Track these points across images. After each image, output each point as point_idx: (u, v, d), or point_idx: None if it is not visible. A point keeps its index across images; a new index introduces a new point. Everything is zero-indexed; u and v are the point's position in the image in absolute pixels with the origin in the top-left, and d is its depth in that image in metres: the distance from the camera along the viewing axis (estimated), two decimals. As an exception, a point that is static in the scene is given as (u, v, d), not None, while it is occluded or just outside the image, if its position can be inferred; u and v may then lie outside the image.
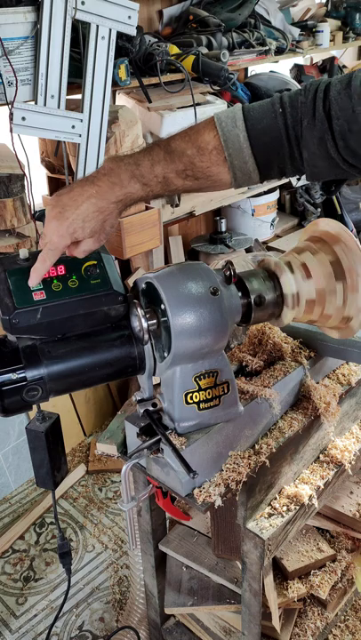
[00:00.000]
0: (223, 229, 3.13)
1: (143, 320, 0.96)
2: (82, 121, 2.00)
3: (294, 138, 0.94)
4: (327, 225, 1.08)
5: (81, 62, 2.01)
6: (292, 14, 3.46)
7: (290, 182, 3.40)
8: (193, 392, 1.00)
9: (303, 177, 1.19)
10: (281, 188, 3.48)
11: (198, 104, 2.61)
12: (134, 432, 1.07)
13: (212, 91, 2.81)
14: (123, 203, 0.95)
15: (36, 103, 1.90)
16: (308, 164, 0.95)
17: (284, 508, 1.18)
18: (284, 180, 3.35)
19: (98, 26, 1.92)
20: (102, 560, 2.23)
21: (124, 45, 2.24)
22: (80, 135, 2.02)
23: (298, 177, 3.42)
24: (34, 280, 0.93)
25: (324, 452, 1.31)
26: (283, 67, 3.61)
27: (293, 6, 3.49)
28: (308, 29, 3.42)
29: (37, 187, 2.54)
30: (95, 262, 0.98)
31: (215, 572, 1.46)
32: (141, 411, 1.04)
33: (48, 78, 1.89)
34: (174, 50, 2.47)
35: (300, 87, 0.97)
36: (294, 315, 1.05)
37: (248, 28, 2.97)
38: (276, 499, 1.20)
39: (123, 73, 2.20)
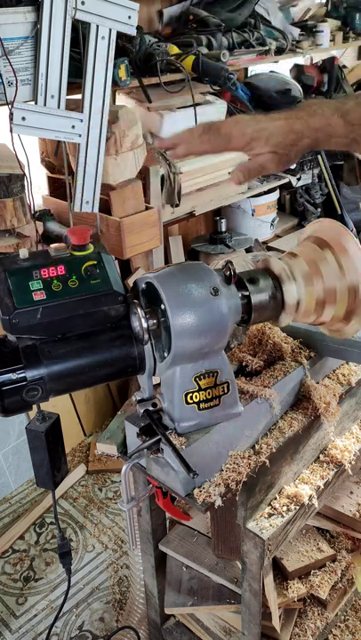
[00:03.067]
0: (223, 229, 3.13)
1: (143, 320, 0.96)
2: (82, 121, 2.00)
3: None
4: (328, 225, 1.07)
5: (81, 62, 2.01)
6: (292, 14, 3.46)
7: (290, 182, 3.39)
8: (193, 392, 1.00)
9: (303, 177, 1.18)
10: (281, 188, 3.47)
11: (198, 104, 2.61)
12: (134, 432, 1.07)
13: (212, 91, 2.82)
14: (322, 133, 0.86)
15: (36, 103, 1.90)
16: None
17: (284, 508, 1.18)
18: (284, 180, 3.35)
19: (98, 26, 1.92)
20: (102, 560, 2.24)
21: (124, 45, 2.25)
22: (80, 135, 2.02)
23: (298, 177, 3.42)
24: (165, 142, 0.88)
25: (324, 452, 1.31)
26: (283, 67, 3.61)
27: (293, 6, 3.49)
28: (308, 29, 3.41)
29: (37, 187, 2.54)
30: (95, 262, 0.98)
31: (215, 572, 1.46)
32: (141, 411, 1.04)
33: (48, 78, 1.89)
34: (174, 50, 2.47)
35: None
36: (292, 319, 1.05)
37: (248, 28, 2.98)
38: (276, 499, 1.20)
39: (123, 73, 2.20)
